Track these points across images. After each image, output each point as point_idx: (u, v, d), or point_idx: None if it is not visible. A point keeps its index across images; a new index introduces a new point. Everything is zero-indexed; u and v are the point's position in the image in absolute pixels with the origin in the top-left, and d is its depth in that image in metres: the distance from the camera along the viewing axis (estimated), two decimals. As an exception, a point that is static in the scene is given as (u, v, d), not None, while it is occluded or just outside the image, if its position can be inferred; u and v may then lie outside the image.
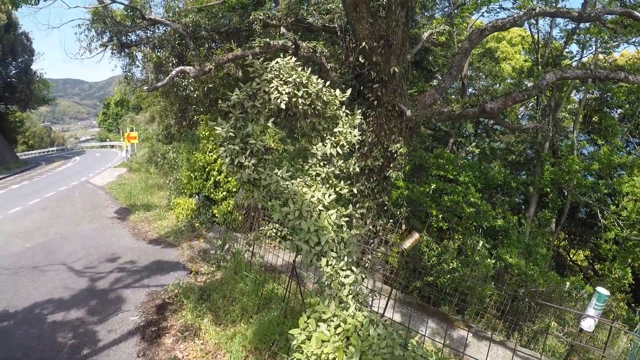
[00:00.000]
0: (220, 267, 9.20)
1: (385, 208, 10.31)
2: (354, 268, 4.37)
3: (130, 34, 16.82)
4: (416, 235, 5.87)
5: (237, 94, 4.74)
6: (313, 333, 3.64)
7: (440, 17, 22.75)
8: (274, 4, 16.69)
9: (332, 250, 4.35)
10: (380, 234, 10.30)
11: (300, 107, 5.15)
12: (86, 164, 39.50)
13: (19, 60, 44.90)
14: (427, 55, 20.17)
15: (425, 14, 22.95)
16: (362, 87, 9.84)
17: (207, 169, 13.25)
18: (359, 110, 5.78)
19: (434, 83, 22.15)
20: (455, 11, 20.74)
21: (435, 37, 17.81)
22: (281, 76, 4.98)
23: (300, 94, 5.05)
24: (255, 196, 4.53)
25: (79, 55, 16.15)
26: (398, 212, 10.90)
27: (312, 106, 5.32)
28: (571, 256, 25.94)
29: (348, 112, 5.83)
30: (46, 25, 19.27)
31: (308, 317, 3.89)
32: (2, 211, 17.37)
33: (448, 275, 11.50)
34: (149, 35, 17.46)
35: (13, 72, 45.21)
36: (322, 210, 4.65)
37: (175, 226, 13.21)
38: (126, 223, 14.45)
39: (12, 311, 7.73)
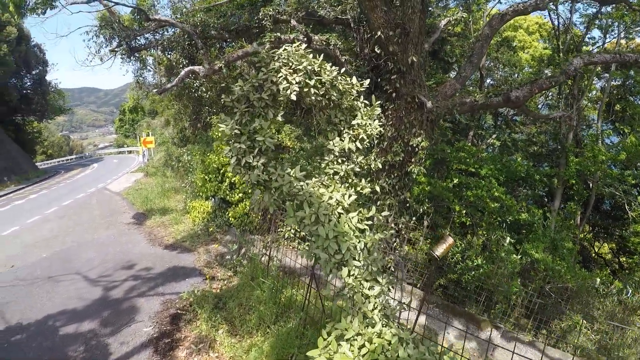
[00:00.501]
0: (237, 273, 8.83)
1: (407, 205, 9.83)
2: (379, 278, 3.90)
3: (138, 38, 16.62)
4: (450, 241, 5.34)
5: (240, 86, 4.30)
6: (334, 355, 3.20)
7: (454, 7, 22.09)
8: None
9: (354, 259, 3.90)
10: (403, 232, 9.84)
11: (313, 97, 4.67)
12: (104, 170, 39.72)
13: (33, 72, 45.41)
14: (444, 46, 19.55)
15: (439, 4, 22.31)
16: (379, 79, 9.37)
17: (221, 171, 12.91)
18: (378, 102, 5.27)
19: (452, 75, 21.53)
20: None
21: (451, 27, 17.23)
22: (290, 64, 4.52)
23: (312, 83, 4.56)
24: (265, 199, 4.09)
25: (87, 62, 16.04)
26: (420, 209, 10.41)
27: (327, 97, 4.84)
28: (596, 249, 25.05)
29: (367, 102, 5.33)
30: (54, 34, 19.24)
31: (328, 334, 3.44)
32: (20, 221, 17.39)
33: (472, 272, 11.12)
34: (157, 38, 17.25)
35: (28, 84, 45.76)
36: (342, 214, 4.20)
37: (192, 230, 12.93)
38: (142, 228, 14.23)
39: (25, 324, 7.56)
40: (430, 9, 18.86)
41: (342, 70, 5.12)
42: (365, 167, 5.31)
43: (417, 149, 9.11)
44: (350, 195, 4.40)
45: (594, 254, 24.52)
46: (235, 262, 9.15)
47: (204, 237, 12.14)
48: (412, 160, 9.28)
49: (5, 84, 39.28)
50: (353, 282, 3.72)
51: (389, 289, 3.97)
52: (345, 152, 5.06)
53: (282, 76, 4.38)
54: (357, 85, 5.15)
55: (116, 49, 16.99)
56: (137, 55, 18.28)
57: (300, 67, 4.54)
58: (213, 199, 13.45)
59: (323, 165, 4.97)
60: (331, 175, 4.83)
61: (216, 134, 13.20)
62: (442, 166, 17.55)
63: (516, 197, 18.51)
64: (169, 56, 19.25)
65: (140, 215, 16.33)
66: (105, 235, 13.61)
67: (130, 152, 64.75)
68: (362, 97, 5.34)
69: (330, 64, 4.95)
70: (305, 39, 10.15)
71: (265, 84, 4.36)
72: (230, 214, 12.21)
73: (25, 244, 13.52)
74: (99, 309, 7.84)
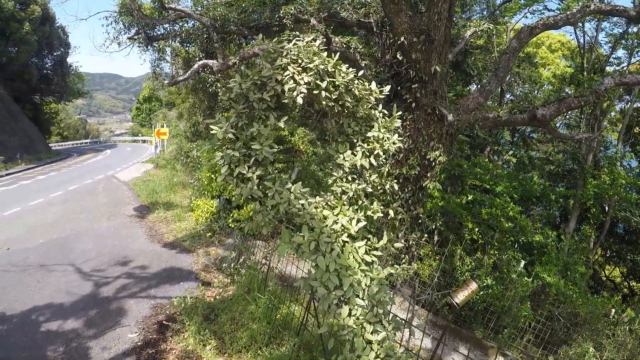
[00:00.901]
0: (234, 281, 8.36)
1: (420, 221, 9.34)
2: (385, 322, 3.36)
3: (157, 28, 16.35)
4: (473, 287, 4.81)
5: (238, 82, 3.78)
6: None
7: (478, 19, 21.53)
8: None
9: (357, 296, 3.37)
10: (414, 249, 9.35)
11: (324, 103, 4.09)
12: (116, 158, 39.68)
13: (55, 53, 45.64)
14: (467, 57, 18.98)
15: (463, 15, 21.75)
16: (399, 87, 8.91)
17: (229, 170, 12.49)
18: (398, 113, 4.69)
19: (473, 88, 21.03)
20: (497, 12, 19.53)
21: (474, 39, 16.68)
22: (300, 61, 3.97)
23: (324, 85, 3.97)
24: (259, 219, 3.60)
25: (104, 47, 15.83)
26: (432, 225, 9.93)
27: (340, 102, 4.24)
28: (606, 272, 24.37)
29: (385, 112, 4.71)
30: (74, 16, 19.04)
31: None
32: (24, 202, 17.19)
33: (481, 292, 10.61)
34: (176, 29, 16.97)
35: (49, 64, 46.01)
36: (347, 242, 3.66)
37: (194, 229, 12.51)
38: (144, 222, 13.88)
39: (8, 314, 7.23)
40: (454, 19, 18.36)
41: (360, 73, 4.57)
42: (379, 187, 4.67)
43: (434, 163, 8.63)
44: (358, 221, 3.85)
45: (604, 277, 23.91)
46: (232, 270, 8.68)
47: (205, 238, 11.71)
48: (428, 174, 8.80)
49: (26, 63, 39.51)
50: (354, 325, 3.22)
51: (394, 334, 3.43)
52: (357, 169, 4.43)
53: (289, 75, 3.82)
54: (375, 92, 4.55)
55: (134, 37, 16.74)
56: (156, 45, 18.01)
57: (311, 65, 3.95)
58: (218, 199, 13.03)
59: (330, 181, 4.39)
60: (338, 195, 4.24)
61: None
62: (456, 181, 17.04)
63: (530, 217, 17.95)
64: (187, 49, 18.98)
65: (144, 208, 16.00)
66: (106, 226, 13.27)
67: (144, 141, 64.81)
68: (380, 105, 4.76)
69: (348, 66, 4.41)
70: (325, 39, 9.71)
71: (268, 83, 3.82)
72: (234, 216, 11.77)
73: (24, 227, 13.25)
74: (86, 307, 7.44)
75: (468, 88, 20.29)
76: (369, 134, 4.56)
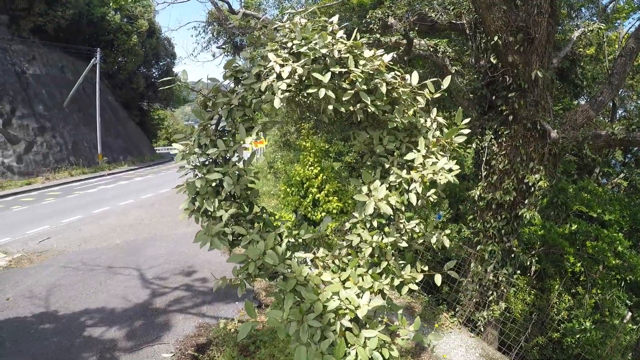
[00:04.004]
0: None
1: (513, 255, 7.94)
2: None
3: (243, 37, 16.37)
4: None
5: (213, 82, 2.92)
6: None
7: (586, 21, 19.23)
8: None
9: None
10: (502, 287, 7.97)
11: (331, 107, 2.80)
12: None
13: (161, 62, 49.07)
14: (575, 66, 16.81)
15: (571, 23, 19.51)
16: (494, 97, 7.64)
17: (305, 185, 11.81)
18: (466, 120, 3.12)
19: (582, 102, 18.74)
20: (608, 10, 17.21)
21: (582, 48, 14.68)
22: (291, 45, 2.85)
23: (325, 79, 2.69)
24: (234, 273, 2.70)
25: (192, 56, 16.20)
26: (527, 262, 8.47)
27: (360, 105, 2.91)
28: None
29: (443, 121, 3.27)
30: (166, 27, 19.85)
31: None
32: (115, 202, 18.01)
33: (577, 336, 9.64)
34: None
35: (155, 73, 49.43)
36: (351, 329, 2.49)
37: (268, 243, 12.00)
38: (220, 230, 13.68)
39: (60, 314, 7.21)
40: (559, 26, 16.44)
41: (447, 81, 3.17)
42: (421, 240, 3.12)
43: (532, 189, 7.22)
44: (375, 293, 2.65)
45: None
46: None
47: (277, 253, 11.13)
48: (526, 201, 7.40)
49: (134, 71, 42.72)
50: None
51: None
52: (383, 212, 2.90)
53: (272, 66, 2.72)
54: (415, 88, 3.08)
55: (223, 46, 16.91)
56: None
57: (305, 49, 2.74)
58: (296, 214, 12.43)
59: (348, 225, 3.15)
60: (353, 249, 2.92)
61: (303, 143, 12.19)
62: (558, 206, 15.08)
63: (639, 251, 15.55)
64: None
65: (223, 215, 15.92)
66: (183, 232, 13.18)
67: (245, 148, 67.43)
68: (434, 112, 3.29)
69: (381, 51, 3.09)
70: (405, 40, 8.66)
71: (245, 81, 2.79)
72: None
73: (107, 226, 13.80)
74: (134, 316, 7.10)
75: (577, 101, 18.10)
76: (408, 157, 3.12)
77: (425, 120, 3.24)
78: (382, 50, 3.05)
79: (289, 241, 3.04)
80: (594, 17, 19.33)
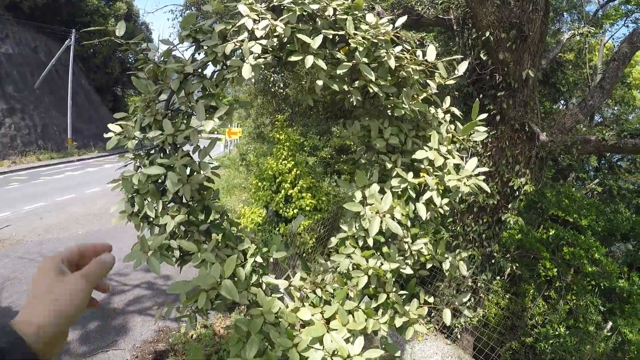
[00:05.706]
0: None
1: (493, 260, 7.67)
2: None
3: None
4: None
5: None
6: None
7: (575, 24, 19.39)
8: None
9: None
10: (481, 293, 7.70)
11: (320, 83, 2.12)
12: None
13: (138, 48, 47.65)
14: (558, 70, 16.79)
15: (557, 23, 19.60)
16: (480, 96, 7.31)
17: (277, 180, 11.26)
18: (482, 116, 2.52)
19: (561, 106, 18.86)
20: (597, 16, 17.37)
21: (562, 53, 14.73)
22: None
23: (315, 43, 1.99)
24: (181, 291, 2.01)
25: (169, 39, 15.59)
26: (507, 267, 8.22)
27: (359, 83, 2.22)
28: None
29: (457, 111, 2.64)
30: (142, 9, 19.01)
31: None
32: (80, 190, 17.44)
33: (551, 341, 9.51)
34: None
35: (131, 58, 47.98)
36: None
37: (237, 238, 11.52)
38: (190, 223, 13.15)
39: (14, 310, 6.63)
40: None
41: (463, 66, 2.49)
42: (430, 265, 2.48)
43: (517, 193, 6.94)
44: (374, 335, 2.08)
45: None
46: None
47: (246, 249, 10.66)
48: (509, 205, 7.12)
49: (109, 56, 41.33)
50: None
51: None
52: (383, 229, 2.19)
53: (244, 22, 2.01)
54: (439, 73, 2.40)
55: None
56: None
57: (287, 1, 2.00)
58: (266, 209, 11.87)
59: (334, 241, 2.44)
60: (340, 276, 2.31)
61: (277, 135, 11.62)
62: (536, 210, 15.06)
63: (613, 256, 15.69)
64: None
65: (193, 207, 15.37)
66: (149, 223, 12.64)
67: (219, 139, 66.51)
68: (447, 100, 2.67)
69: (386, 17, 2.40)
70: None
71: (206, 42, 2.11)
72: (281, 231, 10.53)
73: (70, 215, 13.03)
74: (89, 317, 6.51)
75: (557, 105, 18.11)
76: (417, 155, 2.37)
77: (436, 111, 2.60)
78: (387, 18, 2.39)
79: (254, 261, 2.30)
80: (575, 23, 19.46)
